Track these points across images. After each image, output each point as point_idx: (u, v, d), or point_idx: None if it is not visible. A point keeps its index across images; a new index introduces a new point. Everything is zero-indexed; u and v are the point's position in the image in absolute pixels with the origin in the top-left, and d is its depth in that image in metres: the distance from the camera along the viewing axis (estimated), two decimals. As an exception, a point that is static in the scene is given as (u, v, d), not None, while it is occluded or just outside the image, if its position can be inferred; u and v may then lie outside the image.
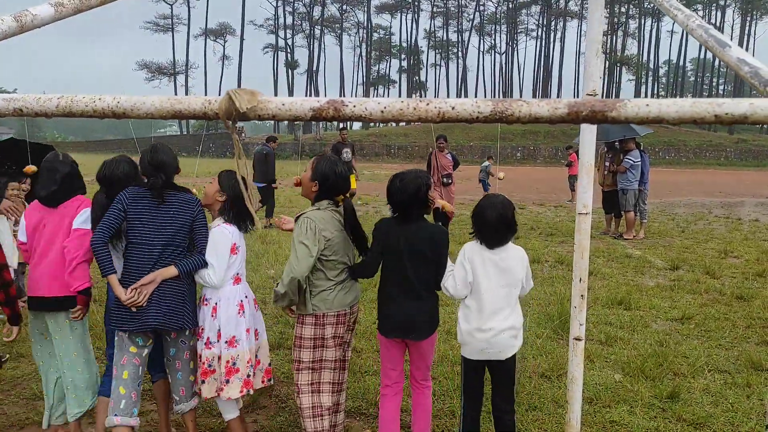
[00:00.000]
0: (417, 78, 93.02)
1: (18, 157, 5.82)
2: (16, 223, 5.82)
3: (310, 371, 3.27)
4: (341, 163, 3.30)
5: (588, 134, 3.12)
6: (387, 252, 3.26)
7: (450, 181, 11.25)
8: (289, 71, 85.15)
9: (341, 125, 15.80)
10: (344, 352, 3.41)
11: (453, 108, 1.03)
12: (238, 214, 3.35)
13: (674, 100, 0.97)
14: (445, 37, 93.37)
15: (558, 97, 60.42)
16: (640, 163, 11.35)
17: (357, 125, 75.55)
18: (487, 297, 3.13)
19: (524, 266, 3.23)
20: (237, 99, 1.05)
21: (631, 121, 1.00)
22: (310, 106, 1.05)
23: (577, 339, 3.33)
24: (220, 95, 1.10)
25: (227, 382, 3.24)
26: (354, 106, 1.04)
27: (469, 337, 3.15)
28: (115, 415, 3.15)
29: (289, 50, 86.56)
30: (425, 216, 3.31)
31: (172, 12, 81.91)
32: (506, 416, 3.27)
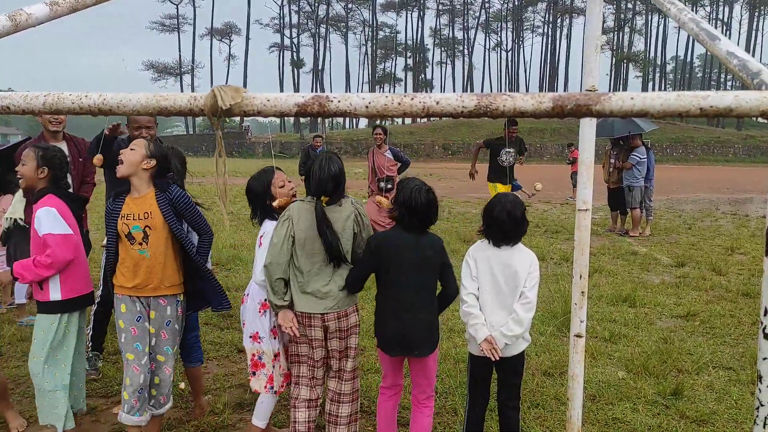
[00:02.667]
0: (423, 76, 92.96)
1: None
2: None
3: (292, 364, 3.33)
4: (322, 164, 3.14)
5: (587, 130, 3.11)
6: (385, 266, 3.13)
7: (391, 186, 8.78)
8: (295, 70, 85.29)
9: (512, 122, 10.23)
10: (337, 360, 3.28)
11: (437, 103, 1.02)
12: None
13: (659, 93, 0.96)
14: (450, 35, 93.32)
15: (564, 94, 60.22)
16: (646, 159, 11.32)
17: (363, 123, 75.56)
18: (490, 294, 3.12)
19: (527, 272, 3.09)
20: (221, 95, 1.05)
21: (615, 114, 0.99)
22: (294, 101, 1.05)
23: (578, 336, 3.32)
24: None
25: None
26: (339, 102, 1.04)
27: (488, 345, 3.07)
28: None
29: (294, 49, 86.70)
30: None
31: (177, 12, 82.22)
32: (511, 413, 3.27)
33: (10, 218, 4.11)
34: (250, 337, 3.40)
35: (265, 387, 3.40)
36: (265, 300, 3.33)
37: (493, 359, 3.06)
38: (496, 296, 3.11)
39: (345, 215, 3.19)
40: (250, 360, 3.42)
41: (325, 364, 3.32)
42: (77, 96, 1.10)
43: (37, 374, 3.31)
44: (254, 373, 3.42)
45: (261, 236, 3.39)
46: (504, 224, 3.06)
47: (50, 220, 3.26)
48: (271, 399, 3.45)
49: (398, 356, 3.22)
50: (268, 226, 3.36)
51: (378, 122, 7.99)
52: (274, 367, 3.38)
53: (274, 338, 3.37)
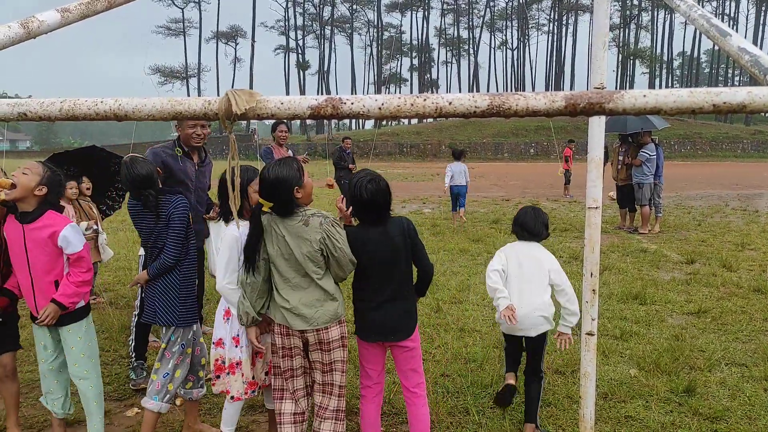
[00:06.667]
0: (428, 76, 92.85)
1: (87, 163, 6.25)
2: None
3: (273, 377, 3.23)
4: (270, 168, 2.96)
5: (596, 129, 3.10)
6: (358, 262, 3.13)
7: None
8: (301, 72, 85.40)
9: None
10: (321, 373, 3.14)
11: (450, 103, 1.03)
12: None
13: (671, 90, 0.96)
14: (455, 35, 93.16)
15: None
16: (655, 156, 11.25)
17: (369, 124, 75.59)
18: (516, 283, 3.68)
19: (550, 262, 3.70)
20: (236, 99, 1.06)
21: (628, 112, 0.99)
22: (308, 104, 1.06)
23: (590, 334, 3.32)
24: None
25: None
26: (352, 104, 1.05)
27: (509, 312, 3.57)
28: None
29: (300, 51, 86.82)
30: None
31: (183, 16, 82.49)
32: (533, 384, 3.76)
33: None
34: (214, 342, 3.40)
35: (227, 391, 3.38)
36: (228, 307, 3.33)
37: (509, 323, 3.55)
38: (522, 288, 3.66)
39: (307, 235, 2.94)
40: (213, 364, 3.40)
41: (305, 374, 3.20)
42: (93, 102, 1.11)
43: (86, 379, 3.46)
44: (218, 377, 3.40)
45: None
46: (527, 225, 3.80)
47: (78, 236, 3.34)
48: (232, 406, 3.44)
49: (375, 342, 3.25)
50: (227, 230, 3.29)
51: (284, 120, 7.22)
52: (229, 374, 3.35)
53: (236, 346, 3.33)
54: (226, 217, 3.42)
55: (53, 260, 3.32)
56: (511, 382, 4.01)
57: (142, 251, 4.36)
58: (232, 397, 3.37)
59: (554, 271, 3.64)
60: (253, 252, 3.01)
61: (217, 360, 3.40)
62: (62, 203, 5.92)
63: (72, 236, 3.29)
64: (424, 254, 3.26)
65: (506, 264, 3.74)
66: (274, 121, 8.19)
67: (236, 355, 3.33)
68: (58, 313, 3.32)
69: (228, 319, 3.35)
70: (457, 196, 12.11)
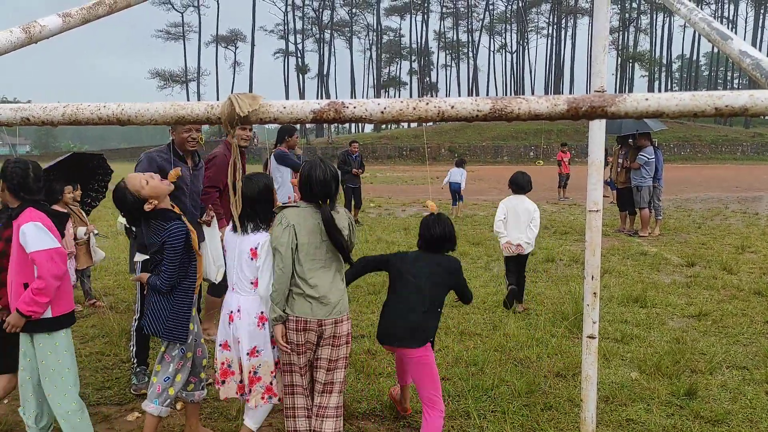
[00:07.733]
0: (428, 79, 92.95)
1: (77, 168, 6.29)
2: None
3: (284, 374, 3.29)
4: (322, 167, 3.19)
5: (597, 132, 3.11)
6: (399, 275, 3.47)
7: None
8: (300, 76, 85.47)
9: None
10: (325, 371, 3.22)
11: (452, 107, 1.03)
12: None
13: (674, 93, 0.96)
14: (455, 38, 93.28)
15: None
16: (654, 159, 11.24)
17: (368, 128, 75.60)
18: (514, 222, 6.06)
19: (534, 210, 6.08)
20: (238, 103, 1.06)
21: (630, 115, 0.99)
22: (310, 108, 1.06)
23: (591, 337, 3.32)
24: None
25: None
26: (354, 108, 1.05)
27: (507, 245, 6.10)
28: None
29: (299, 55, 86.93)
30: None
31: (183, 20, 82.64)
32: (520, 287, 6.30)
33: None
34: (220, 345, 3.36)
35: (263, 398, 3.33)
36: (262, 312, 3.29)
37: (509, 252, 6.11)
38: (515, 223, 6.07)
39: (342, 222, 3.19)
40: (219, 368, 3.37)
41: (309, 371, 3.29)
42: (96, 107, 1.11)
43: (53, 396, 3.27)
44: (223, 382, 3.38)
45: (255, 248, 3.26)
46: (519, 182, 6.16)
47: (36, 235, 3.14)
48: (270, 406, 3.45)
49: (384, 344, 3.54)
50: (263, 237, 3.25)
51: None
52: (275, 377, 3.33)
53: (273, 348, 3.32)
54: (245, 227, 3.29)
55: (22, 260, 3.18)
56: (514, 287, 6.14)
57: (138, 256, 4.35)
58: (270, 397, 3.36)
59: (536, 211, 6.06)
60: (348, 251, 3.24)
61: (223, 363, 3.37)
62: (59, 207, 5.94)
63: (30, 233, 3.12)
64: (467, 290, 3.64)
65: (507, 213, 6.06)
66: (279, 125, 8.28)
67: (276, 356, 3.35)
68: (20, 321, 3.15)
69: (263, 324, 3.32)
70: (455, 192, 14.74)
